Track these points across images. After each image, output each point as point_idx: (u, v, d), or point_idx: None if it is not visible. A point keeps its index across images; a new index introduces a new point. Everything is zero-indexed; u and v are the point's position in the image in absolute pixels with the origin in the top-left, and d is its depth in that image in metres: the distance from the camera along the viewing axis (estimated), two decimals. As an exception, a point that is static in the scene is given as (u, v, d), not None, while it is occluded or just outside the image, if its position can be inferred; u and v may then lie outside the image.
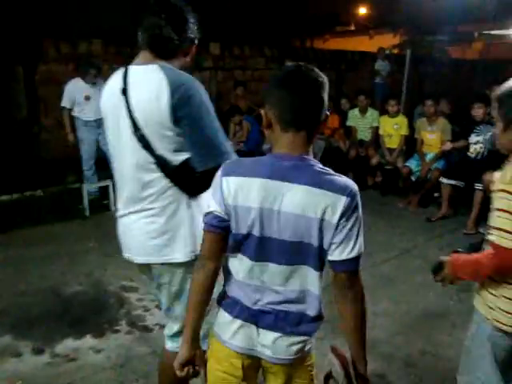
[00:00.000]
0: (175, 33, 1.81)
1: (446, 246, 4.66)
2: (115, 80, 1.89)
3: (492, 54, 14.32)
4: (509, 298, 1.68)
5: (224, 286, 1.53)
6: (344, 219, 1.34)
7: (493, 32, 14.16)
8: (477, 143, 5.41)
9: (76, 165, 5.98)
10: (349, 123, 7.26)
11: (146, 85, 1.75)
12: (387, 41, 12.97)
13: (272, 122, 1.39)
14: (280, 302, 1.44)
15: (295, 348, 1.47)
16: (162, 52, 1.83)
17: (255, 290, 1.45)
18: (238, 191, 1.39)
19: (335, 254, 1.38)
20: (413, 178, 6.11)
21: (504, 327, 1.71)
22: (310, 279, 1.43)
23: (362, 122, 7.11)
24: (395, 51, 12.26)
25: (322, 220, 1.34)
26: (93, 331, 3.16)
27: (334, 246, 1.37)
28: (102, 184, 5.77)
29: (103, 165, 6.10)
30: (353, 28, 18.07)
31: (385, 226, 5.28)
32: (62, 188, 5.70)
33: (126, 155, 1.87)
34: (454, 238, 4.84)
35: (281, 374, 1.53)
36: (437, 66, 11.40)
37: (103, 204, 5.76)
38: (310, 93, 1.36)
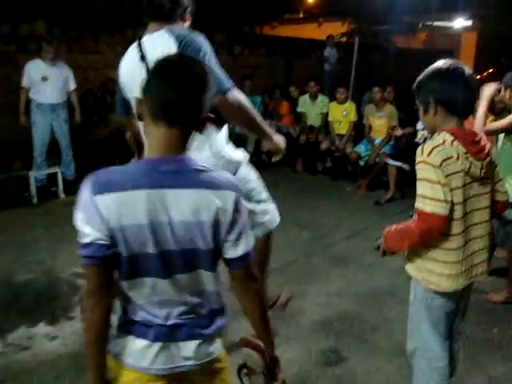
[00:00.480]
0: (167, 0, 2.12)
1: (393, 227, 4.84)
2: (132, 52, 2.18)
3: (435, 45, 14.84)
4: (431, 258, 1.86)
5: (124, 313, 1.36)
6: (236, 215, 1.30)
7: (436, 23, 14.66)
8: (423, 129, 5.62)
9: (25, 151, 5.77)
10: (299, 109, 7.36)
11: (159, 46, 2.02)
12: (335, 29, 13.15)
13: (144, 115, 1.27)
14: (189, 311, 1.37)
15: (215, 346, 1.44)
16: (159, 17, 2.14)
17: (162, 305, 1.34)
18: (120, 209, 1.21)
19: (231, 252, 1.34)
20: (361, 163, 6.29)
21: (432, 286, 1.87)
22: (208, 281, 1.37)
23: (312, 108, 7.23)
24: (343, 39, 12.47)
25: (215, 221, 1.28)
26: (46, 319, 3.10)
27: (229, 244, 1.33)
28: (51, 171, 5.61)
29: (53, 151, 5.96)
30: (302, 16, 18.18)
31: (335, 210, 5.42)
32: (8, 175, 5.50)
33: None
34: (402, 220, 5.01)
35: (208, 379, 1.47)
36: (383, 54, 11.69)
37: (51, 191, 5.61)
38: (188, 86, 1.24)
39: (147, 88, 1.27)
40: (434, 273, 1.86)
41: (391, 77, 9.85)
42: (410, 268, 1.97)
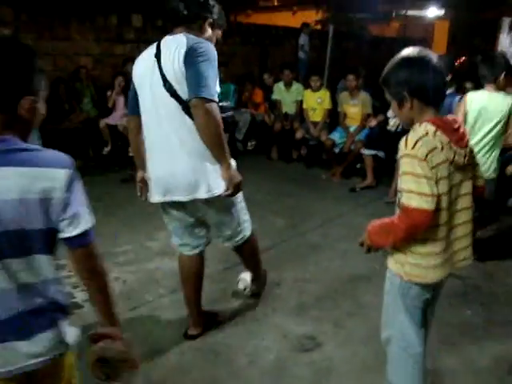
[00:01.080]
0: (184, 7, 2.34)
1: (369, 214, 4.88)
2: (150, 49, 2.40)
3: (408, 33, 14.94)
4: (418, 252, 1.83)
5: None
6: (69, 192, 1.27)
7: (409, 12, 14.76)
8: (395, 117, 5.66)
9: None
10: (274, 96, 7.35)
11: (173, 46, 2.26)
12: (310, 17, 13.10)
13: None
14: (23, 303, 1.28)
15: (47, 348, 1.34)
16: (177, 22, 2.36)
17: None
18: None
19: (69, 230, 1.29)
20: (336, 150, 6.32)
21: (417, 279, 1.86)
22: (46, 267, 1.31)
23: (287, 95, 7.22)
24: (318, 27, 12.44)
25: (44, 199, 1.24)
26: (18, 311, 3.04)
27: (66, 222, 1.28)
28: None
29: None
30: (276, 3, 18.08)
31: (310, 197, 5.44)
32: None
33: (159, 109, 2.34)
34: (377, 207, 5.08)
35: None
36: (358, 42, 11.72)
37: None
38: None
39: None
40: (418, 266, 1.84)
41: (365, 65, 9.90)
42: (390, 263, 1.95)
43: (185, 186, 2.39)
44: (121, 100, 6.87)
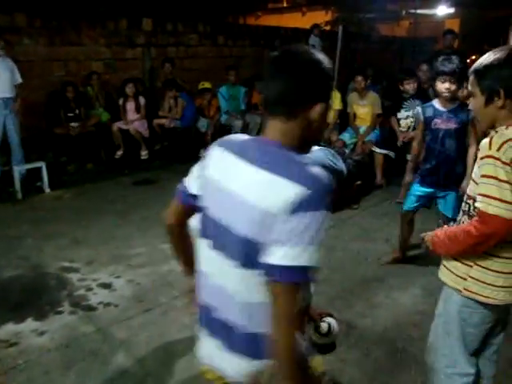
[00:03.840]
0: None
1: (380, 214, 4.88)
2: None
3: (418, 32, 14.86)
4: (482, 267, 1.69)
5: None
6: (295, 215, 1.08)
7: (418, 11, 14.68)
8: (407, 118, 5.65)
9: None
10: (284, 99, 7.35)
11: None
12: (319, 18, 13.10)
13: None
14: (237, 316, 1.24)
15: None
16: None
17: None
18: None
19: (273, 257, 1.10)
20: (346, 151, 6.30)
21: (479, 297, 1.72)
22: (251, 282, 1.19)
23: (297, 97, 7.22)
24: (327, 28, 12.44)
25: (266, 211, 1.11)
26: (34, 314, 3.08)
27: (275, 247, 1.10)
28: (35, 165, 5.54)
29: (29, 146, 5.87)
30: (285, 5, 18.11)
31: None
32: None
33: None
34: (388, 207, 5.07)
35: None
36: (367, 42, 11.69)
37: (36, 186, 5.55)
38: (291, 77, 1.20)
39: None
40: (483, 283, 1.68)
41: (375, 64, 9.88)
42: (445, 275, 1.80)
43: None
44: (132, 105, 6.93)
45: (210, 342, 1.33)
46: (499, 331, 1.93)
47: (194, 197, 1.33)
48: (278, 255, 1.08)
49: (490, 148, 1.58)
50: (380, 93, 6.61)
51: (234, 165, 1.21)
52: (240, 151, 1.22)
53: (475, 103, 1.70)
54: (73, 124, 6.42)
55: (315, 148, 2.09)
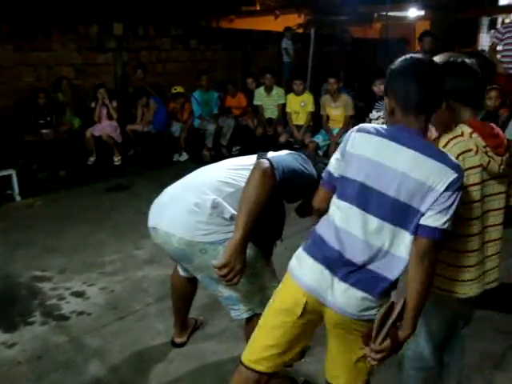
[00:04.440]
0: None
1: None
2: None
3: (390, 34, 15.07)
4: (441, 261, 1.69)
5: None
6: (449, 192, 1.46)
7: (390, 13, 14.89)
8: (378, 118, 5.72)
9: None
10: (255, 102, 7.39)
11: None
12: (292, 21, 13.19)
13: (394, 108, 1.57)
14: (368, 260, 1.54)
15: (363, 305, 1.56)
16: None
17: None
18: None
19: (429, 220, 1.47)
20: (320, 153, 6.36)
21: (437, 291, 1.73)
22: (395, 239, 1.53)
23: (268, 100, 7.27)
24: (300, 30, 12.51)
25: (429, 187, 1.47)
26: (3, 326, 3.01)
27: (430, 213, 1.48)
28: (5, 173, 5.42)
29: None
30: (258, 8, 18.16)
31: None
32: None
33: None
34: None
35: (341, 326, 1.62)
36: (340, 44, 11.80)
37: (6, 194, 5.44)
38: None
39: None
40: (443, 277, 1.73)
41: (348, 67, 9.97)
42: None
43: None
44: (104, 111, 6.86)
45: (326, 276, 1.58)
46: (463, 324, 1.96)
47: (336, 180, 1.64)
48: (442, 221, 1.46)
49: (437, 144, 1.67)
50: (352, 95, 6.68)
51: (390, 146, 1.51)
52: (392, 136, 1.53)
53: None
54: (44, 131, 6.32)
55: (284, 152, 2.11)
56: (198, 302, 2.99)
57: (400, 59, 1.58)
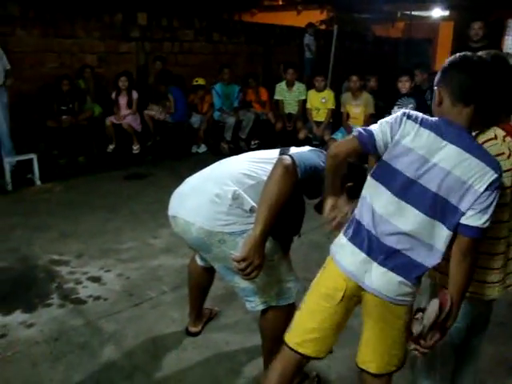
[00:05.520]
0: None
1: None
2: None
3: (413, 34, 14.93)
4: (478, 266, 1.68)
5: None
6: (489, 191, 1.49)
7: (414, 13, 14.74)
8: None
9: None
10: (276, 97, 7.38)
11: None
12: (314, 17, 13.12)
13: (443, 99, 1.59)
14: (405, 248, 1.59)
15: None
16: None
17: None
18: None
19: (471, 220, 1.51)
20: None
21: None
22: (436, 233, 1.57)
23: (289, 95, 7.25)
24: (322, 27, 12.46)
25: (470, 186, 1.51)
26: (22, 307, 3.07)
27: (471, 212, 1.51)
28: (26, 157, 5.51)
29: (20, 138, 5.84)
30: (281, 3, 18.10)
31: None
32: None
33: None
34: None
35: (379, 310, 1.67)
36: (362, 42, 11.72)
37: (27, 178, 5.52)
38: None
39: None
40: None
41: (370, 65, 9.91)
42: (429, 271, 1.74)
43: None
44: (124, 100, 6.91)
45: (365, 260, 1.63)
46: (481, 328, 1.96)
47: (374, 149, 1.60)
48: (482, 221, 1.50)
49: None
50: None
51: (436, 142, 1.53)
52: (438, 129, 1.54)
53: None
54: (65, 117, 6.39)
55: (306, 148, 2.11)
56: (214, 292, 3.02)
57: (459, 54, 1.61)
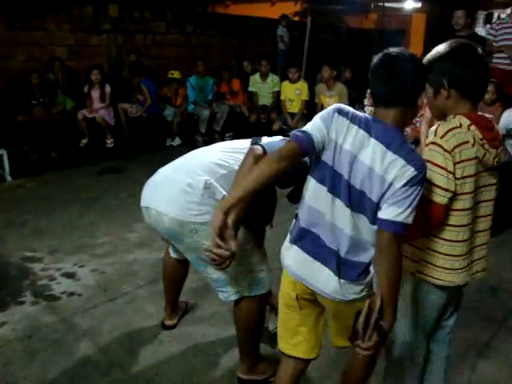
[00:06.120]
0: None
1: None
2: None
3: (386, 25, 15.03)
4: (432, 250, 1.74)
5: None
6: (409, 187, 1.48)
7: (387, 4, 14.84)
8: (372, 105, 5.73)
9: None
10: (250, 89, 7.37)
11: None
12: (288, 8, 13.09)
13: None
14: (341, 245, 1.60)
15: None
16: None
17: (334, 229, 1.63)
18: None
19: (385, 213, 1.51)
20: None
21: (429, 279, 1.77)
22: (366, 229, 1.58)
23: (263, 86, 7.26)
24: (296, 18, 12.45)
25: (385, 180, 1.51)
26: (-6, 305, 3.02)
27: (385, 205, 1.52)
28: (-5, 153, 5.40)
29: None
30: (254, -6, 18.03)
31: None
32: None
33: None
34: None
35: (334, 308, 1.72)
36: (336, 34, 11.76)
37: (-3, 174, 5.41)
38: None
39: None
40: (433, 265, 1.75)
41: (344, 56, 9.96)
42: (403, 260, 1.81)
43: None
44: (97, 93, 6.81)
45: (311, 263, 1.64)
46: (451, 313, 2.00)
47: (312, 147, 1.56)
48: (395, 214, 1.49)
49: (435, 135, 1.66)
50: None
51: (364, 139, 1.53)
52: (367, 127, 1.54)
53: (426, 96, 1.75)
54: (36, 111, 6.27)
55: (278, 138, 2.12)
56: (189, 285, 3.02)
57: (380, 53, 1.59)
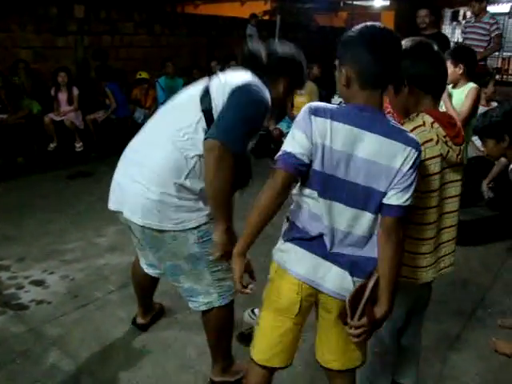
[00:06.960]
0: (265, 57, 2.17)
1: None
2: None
3: (356, 23, 15.19)
4: (408, 252, 1.73)
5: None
6: (411, 170, 1.47)
7: (356, 2, 14.98)
8: (340, 103, 5.76)
9: None
10: (220, 89, 7.34)
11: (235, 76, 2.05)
12: (258, 7, 13.10)
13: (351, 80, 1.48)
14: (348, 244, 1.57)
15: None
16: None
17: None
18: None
19: (393, 199, 1.48)
20: (284, 139, 6.38)
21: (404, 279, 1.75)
22: (370, 224, 1.54)
23: (233, 87, 7.23)
24: (266, 18, 12.47)
25: (392, 168, 1.47)
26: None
27: (394, 192, 1.49)
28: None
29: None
30: (224, -6, 17.97)
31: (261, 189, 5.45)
32: None
33: None
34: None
35: (337, 310, 1.63)
36: (306, 32, 11.81)
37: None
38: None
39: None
40: (403, 265, 1.70)
41: (314, 55, 9.98)
42: None
43: None
44: (64, 96, 6.69)
45: (320, 264, 1.58)
46: (421, 308, 2.02)
47: (303, 166, 1.50)
48: (404, 199, 1.48)
49: None
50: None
51: (355, 133, 1.46)
52: (352, 121, 1.46)
53: (388, 94, 1.75)
54: (1, 115, 6.12)
55: (228, 106, 2.05)
56: (162, 288, 2.97)
57: (359, 26, 1.50)
